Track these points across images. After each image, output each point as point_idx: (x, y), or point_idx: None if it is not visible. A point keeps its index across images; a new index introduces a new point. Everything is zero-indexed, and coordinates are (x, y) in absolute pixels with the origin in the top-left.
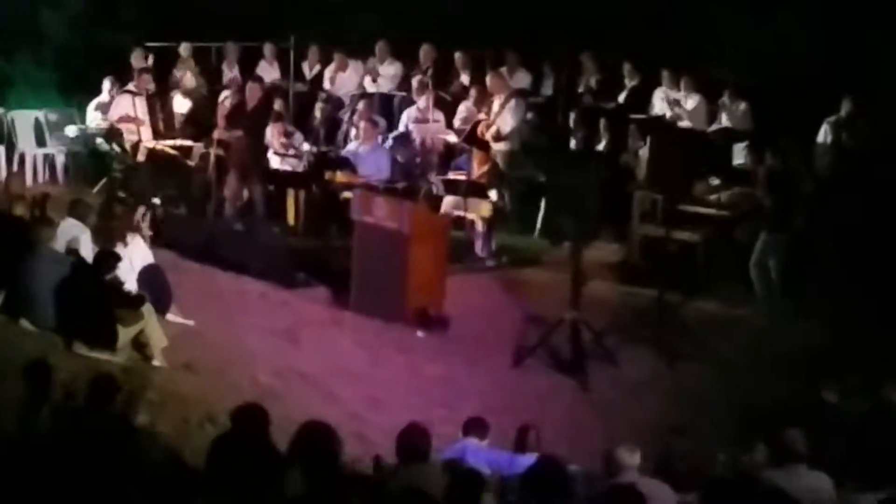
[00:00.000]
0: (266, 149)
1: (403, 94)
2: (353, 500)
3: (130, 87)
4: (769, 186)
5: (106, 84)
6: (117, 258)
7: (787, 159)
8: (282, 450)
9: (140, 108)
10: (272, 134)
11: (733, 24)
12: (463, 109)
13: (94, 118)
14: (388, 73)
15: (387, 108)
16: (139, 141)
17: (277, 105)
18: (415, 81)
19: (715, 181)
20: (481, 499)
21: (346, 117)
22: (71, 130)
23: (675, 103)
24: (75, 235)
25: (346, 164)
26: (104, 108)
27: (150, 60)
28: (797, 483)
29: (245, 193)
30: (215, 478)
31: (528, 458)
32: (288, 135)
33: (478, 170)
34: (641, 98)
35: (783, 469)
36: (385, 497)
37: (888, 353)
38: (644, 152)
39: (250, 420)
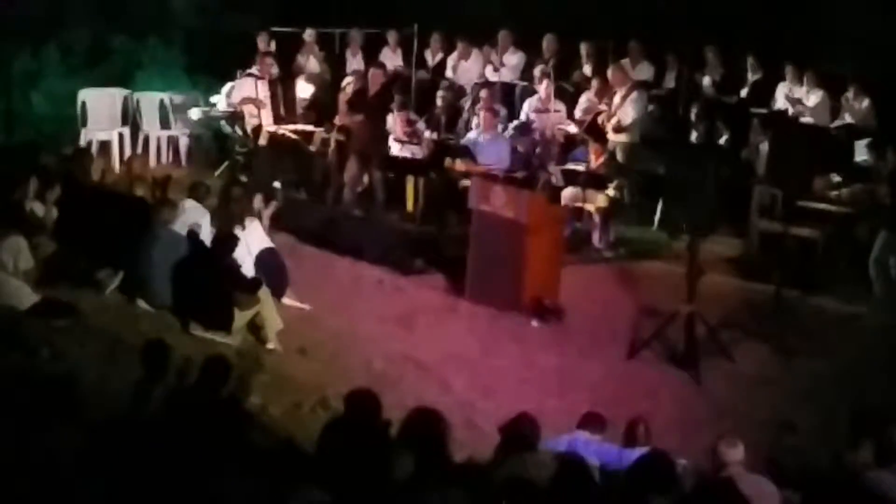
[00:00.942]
0: (387, 135)
1: (525, 83)
2: (460, 486)
3: (254, 70)
4: (891, 184)
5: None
6: (236, 240)
7: None
8: (392, 436)
9: (262, 91)
10: (395, 121)
11: (858, 18)
12: (584, 100)
13: (221, 100)
14: (510, 63)
15: (508, 97)
16: (260, 125)
17: (400, 92)
18: (537, 71)
19: (836, 178)
20: (587, 489)
21: (467, 106)
22: (195, 113)
23: (797, 101)
24: (195, 218)
25: (467, 153)
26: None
27: (274, 46)
28: None
29: (365, 179)
30: (326, 462)
31: (638, 452)
32: (411, 122)
33: (596, 161)
34: (764, 93)
35: (889, 468)
36: (491, 484)
37: None
38: (764, 147)
39: (362, 405)
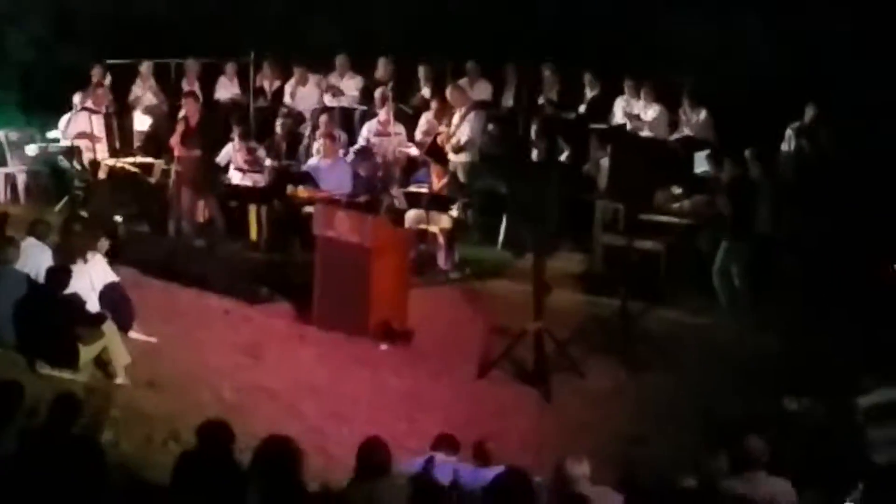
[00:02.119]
0: (217, 165)
1: (364, 107)
2: None
3: (88, 103)
4: (730, 194)
5: (76, 100)
6: (69, 273)
7: (747, 167)
8: (244, 465)
9: (97, 125)
10: (236, 149)
11: (693, 32)
12: (424, 122)
13: (59, 134)
14: (348, 87)
15: (348, 122)
16: (97, 159)
17: (239, 121)
18: (377, 93)
19: (677, 190)
20: None
21: (307, 132)
22: (32, 149)
23: (635, 116)
24: (36, 256)
25: (308, 179)
26: (68, 125)
27: (109, 78)
28: (757, 490)
29: (206, 210)
30: (179, 495)
31: (493, 471)
32: (251, 150)
33: (438, 182)
34: (602, 108)
35: (743, 477)
36: None
37: (848, 361)
38: (605, 162)
39: (214, 437)
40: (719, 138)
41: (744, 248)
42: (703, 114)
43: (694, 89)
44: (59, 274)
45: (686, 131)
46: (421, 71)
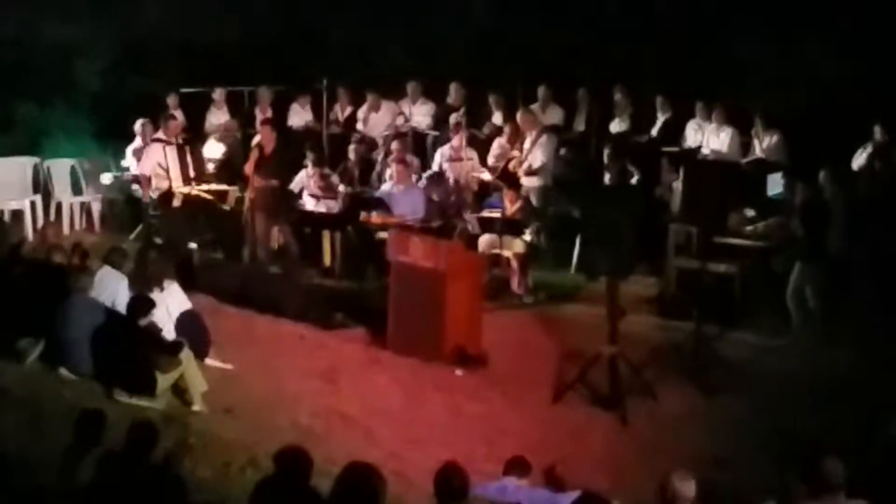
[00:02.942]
0: (291, 192)
1: (437, 133)
2: None
3: (160, 134)
4: (803, 216)
5: (137, 127)
6: (152, 303)
7: (820, 189)
8: (322, 491)
9: (171, 157)
10: (309, 176)
11: (763, 54)
12: (496, 147)
13: (129, 163)
14: (420, 113)
15: (420, 147)
16: (171, 188)
17: (312, 148)
18: (452, 119)
19: (750, 212)
20: None
21: (379, 158)
22: (106, 178)
23: (707, 139)
24: (112, 284)
25: (381, 205)
26: (138, 154)
27: (181, 107)
28: None
29: (280, 236)
30: None
31: (570, 496)
32: (324, 177)
33: (510, 207)
34: (674, 131)
35: (820, 500)
36: None
37: None
38: (678, 185)
39: (292, 463)
40: (791, 160)
41: (818, 269)
42: (775, 136)
43: (765, 111)
44: (143, 303)
45: (758, 153)
46: (492, 97)
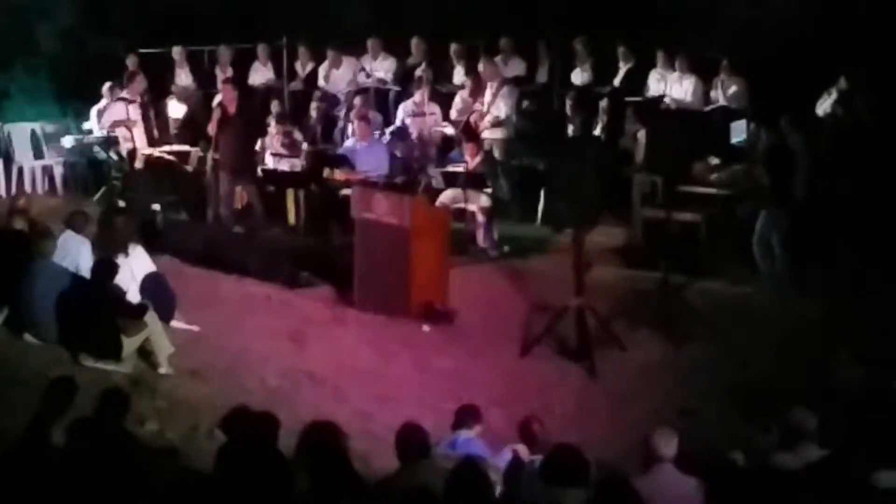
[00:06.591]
0: (255, 150)
1: (398, 88)
2: (360, 499)
3: (124, 93)
4: (767, 163)
5: (105, 89)
6: (115, 267)
7: (784, 135)
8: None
9: (133, 113)
10: (272, 134)
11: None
12: (458, 101)
13: (93, 125)
14: (382, 69)
15: (382, 103)
16: (135, 148)
17: (274, 106)
18: (418, 72)
19: (714, 160)
20: (484, 490)
21: (342, 114)
22: (67, 141)
23: (669, 87)
24: (75, 248)
25: (344, 162)
26: (102, 115)
27: (141, 66)
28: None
29: (243, 196)
30: (224, 484)
31: (507, 454)
32: (288, 134)
33: (471, 161)
34: (637, 81)
35: (794, 451)
36: (390, 496)
37: (889, 327)
38: (641, 135)
39: (247, 427)
40: (754, 107)
41: (783, 216)
42: (738, 84)
43: (728, 59)
44: (107, 267)
45: (721, 101)
46: (453, 49)
